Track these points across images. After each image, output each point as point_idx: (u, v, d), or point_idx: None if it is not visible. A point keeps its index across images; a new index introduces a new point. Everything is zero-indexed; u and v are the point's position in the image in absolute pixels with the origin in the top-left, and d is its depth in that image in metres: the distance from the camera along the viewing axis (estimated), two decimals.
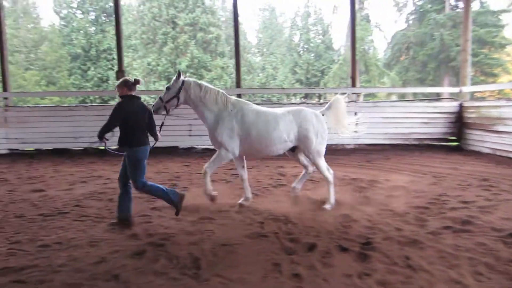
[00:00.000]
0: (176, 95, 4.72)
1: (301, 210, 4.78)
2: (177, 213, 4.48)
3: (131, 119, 4.21)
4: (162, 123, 4.77)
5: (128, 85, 4.33)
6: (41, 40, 36.99)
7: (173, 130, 10.68)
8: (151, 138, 4.51)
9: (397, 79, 31.16)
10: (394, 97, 27.34)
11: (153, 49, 33.20)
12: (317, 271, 3.10)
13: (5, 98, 10.64)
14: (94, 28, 40.05)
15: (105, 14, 40.90)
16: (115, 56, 39.19)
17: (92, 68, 39.30)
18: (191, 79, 4.88)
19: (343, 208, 4.79)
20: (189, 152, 10.80)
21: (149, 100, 33.83)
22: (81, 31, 39.22)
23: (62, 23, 41.30)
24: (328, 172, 4.98)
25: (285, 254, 3.44)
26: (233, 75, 37.30)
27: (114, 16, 11.92)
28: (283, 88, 35.37)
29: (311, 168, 5.26)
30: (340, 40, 47.47)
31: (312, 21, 41.95)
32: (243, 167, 5.12)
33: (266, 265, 3.22)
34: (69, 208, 5.05)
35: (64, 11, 41.29)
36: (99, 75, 39.41)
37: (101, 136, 4.18)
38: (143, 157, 4.25)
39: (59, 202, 5.34)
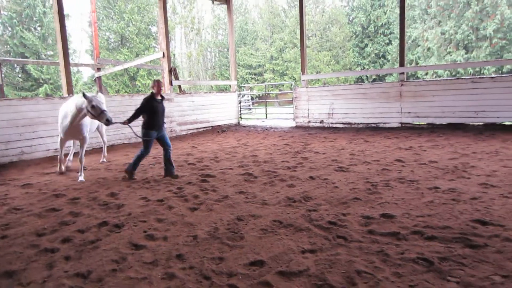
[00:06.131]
0: None
1: None
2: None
3: None
4: None
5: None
6: (328, 22, 39.96)
7: None
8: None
9: None
10: None
11: (451, 16, 29.56)
12: None
13: (401, 73, 10.78)
14: (371, 5, 39.89)
15: None
16: (394, 30, 38.00)
17: (370, 45, 39.66)
18: None
19: None
20: None
21: (442, 74, 30.96)
22: (361, 9, 39.95)
23: (344, 4, 43.37)
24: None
25: None
26: None
27: None
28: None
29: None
30: None
31: None
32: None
33: None
34: None
35: None
36: (376, 51, 39.42)
37: None
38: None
39: None
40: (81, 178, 6.08)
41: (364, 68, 38.96)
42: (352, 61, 39.84)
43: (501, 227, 3.36)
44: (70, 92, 8.36)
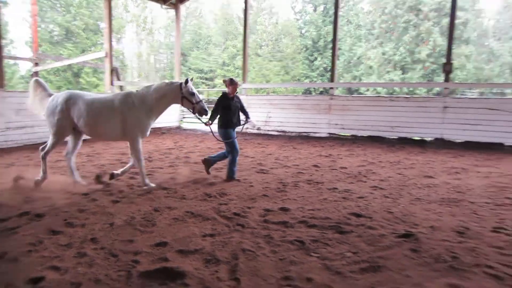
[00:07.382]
0: None
1: None
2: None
3: None
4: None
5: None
6: (280, 33, 41.47)
7: None
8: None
9: None
10: None
11: (392, 38, 32.26)
12: None
13: (331, 88, 11.85)
14: (323, 20, 42.07)
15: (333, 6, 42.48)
16: (342, 46, 40.44)
17: (319, 59, 41.75)
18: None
19: None
20: None
21: (381, 91, 33.52)
22: (313, 24, 41.97)
23: (297, 17, 45.25)
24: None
25: None
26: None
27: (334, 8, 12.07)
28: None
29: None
30: None
31: None
32: None
33: None
34: None
35: (299, 6, 45.09)
36: (324, 65, 41.58)
37: None
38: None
39: None
40: (151, 184, 5.50)
41: (312, 80, 40.83)
42: (301, 73, 41.56)
43: (369, 219, 4.15)
44: (1, 86, 8.22)
